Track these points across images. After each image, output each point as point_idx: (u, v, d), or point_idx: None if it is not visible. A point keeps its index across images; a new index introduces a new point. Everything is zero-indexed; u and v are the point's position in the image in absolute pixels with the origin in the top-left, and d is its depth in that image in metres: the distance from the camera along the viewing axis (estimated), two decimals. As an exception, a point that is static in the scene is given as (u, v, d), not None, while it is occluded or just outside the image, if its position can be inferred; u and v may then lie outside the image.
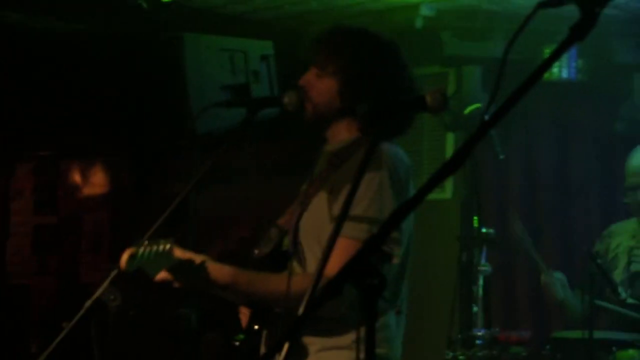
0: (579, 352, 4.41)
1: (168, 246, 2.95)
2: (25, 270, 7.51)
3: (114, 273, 3.19)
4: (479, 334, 4.71)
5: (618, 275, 4.86)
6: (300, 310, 2.26)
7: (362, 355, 2.06)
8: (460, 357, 4.69)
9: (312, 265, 2.99)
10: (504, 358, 4.76)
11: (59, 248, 7.58)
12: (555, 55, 2.00)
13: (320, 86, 3.10)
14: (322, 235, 2.94)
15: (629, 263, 4.87)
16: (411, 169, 3.02)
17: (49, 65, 5.81)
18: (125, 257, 2.98)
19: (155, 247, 2.96)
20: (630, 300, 4.71)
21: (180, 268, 2.95)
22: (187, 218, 5.10)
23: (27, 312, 7.40)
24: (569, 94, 5.85)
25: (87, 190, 7.50)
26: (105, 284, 3.22)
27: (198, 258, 2.97)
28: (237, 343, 3.14)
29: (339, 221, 2.52)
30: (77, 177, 7.56)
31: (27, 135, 6.78)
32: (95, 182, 7.47)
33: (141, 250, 2.95)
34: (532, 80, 2.04)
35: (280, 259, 3.11)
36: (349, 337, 2.91)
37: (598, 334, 4.40)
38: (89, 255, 7.40)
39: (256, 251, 3.19)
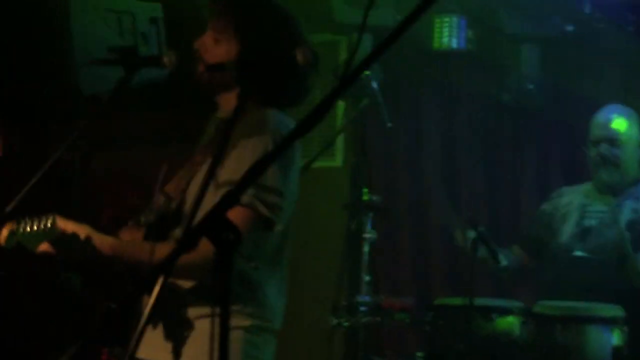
0: (460, 318, 4.44)
1: (50, 222, 2.90)
2: None
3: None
4: (363, 300, 4.72)
5: (568, 229, 4.90)
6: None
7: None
8: (345, 324, 4.70)
9: None
10: (388, 324, 4.80)
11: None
12: (410, 20, 1.99)
13: (217, 51, 3.08)
14: (207, 203, 2.92)
15: (581, 218, 4.91)
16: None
17: None
18: (4, 233, 2.96)
19: (36, 223, 2.91)
20: (578, 253, 4.77)
21: (62, 242, 2.91)
22: (72, 184, 5.03)
23: None
24: (458, 64, 5.89)
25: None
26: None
27: (81, 230, 2.93)
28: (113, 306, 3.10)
29: (202, 187, 2.51)
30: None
31: None
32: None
33: (21, 226, 2.91)
34: (389, 42, 2.04)
35: (167, 227, 3.08)
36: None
37: (479, 301, 4.45)
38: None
39: (142, 218, 3.15)
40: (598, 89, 5.53)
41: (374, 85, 4.88)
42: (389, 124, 4.84)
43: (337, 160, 6.25)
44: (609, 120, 4.91)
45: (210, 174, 2.55)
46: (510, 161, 5.94)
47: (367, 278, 4.79)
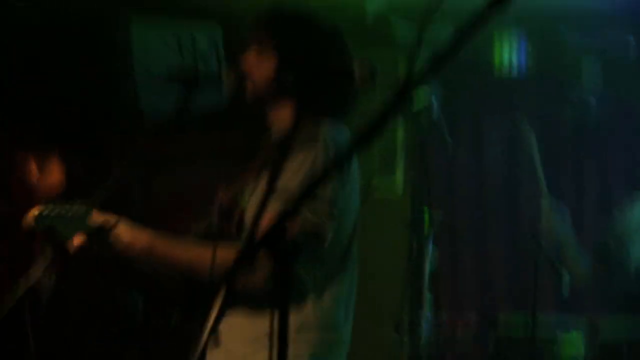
0: (524, 335, 4.40)
1: (83, 209, 2.90)
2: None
3: (47, 254, 3.13)
4: (426, 317, 4.70)
5: (637, 249, 4.82)
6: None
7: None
8: (407, 340, 4.68)
9: None
10: (451, 343, 4.77)
11: (14, 238, 7.50)
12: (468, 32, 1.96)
13: (260, 65, 3.08)
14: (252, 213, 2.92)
15: None
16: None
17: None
18: (32, 213, 2.95)
19: (67, 208, 2.90)
20: None
21: (96, 232, 2.90)
22: (132, 206, 5.06)
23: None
24: (519, 79, 5.85)
25: (43, 181, 7.43)
26: (39, 266, 3.15)
27: (111, 220, 2.92)
28: (173, 323, 3.10)
29: (267, 193, 2.50)
30: (31, 168, 7.48)
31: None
32: (51, 173, 7.40)
33: (50, 208, 2.89)
34: (447, 54, 2.01)
35: (219, 235, 3.06)
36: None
37: (542, 317, 4.41)
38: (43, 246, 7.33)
39: (193, 226, 3.14)
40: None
41: (434, 102, 4.86)
42: (450, 141, 4.82)
43: (398, 179, 6.23)
44: None
45: (270, 186, 2.54)
46: (573, 176, 5.88)
47: (429, 295, 4.77)
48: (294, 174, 2.83)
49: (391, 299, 4.97)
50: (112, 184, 3.15)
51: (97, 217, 2.93)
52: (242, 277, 2.80)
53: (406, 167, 6.14)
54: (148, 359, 5.44)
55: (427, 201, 5.04)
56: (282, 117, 3.10)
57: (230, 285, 2.16)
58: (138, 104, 5.15)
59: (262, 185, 3.00)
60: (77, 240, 2.93)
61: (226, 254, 2.83)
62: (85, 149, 7.11)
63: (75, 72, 5.56)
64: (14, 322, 3.28)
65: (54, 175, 7.33)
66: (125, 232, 2.93)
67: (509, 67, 5.65)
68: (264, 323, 2.89)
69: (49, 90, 5.74)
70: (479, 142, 6.12)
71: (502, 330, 4.58)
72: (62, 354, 5.62)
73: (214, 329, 2.94)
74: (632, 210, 4.98)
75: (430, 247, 4.84)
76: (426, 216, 4.86)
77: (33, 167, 7.43)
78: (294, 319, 2.85)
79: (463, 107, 6.03)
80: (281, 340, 2.03)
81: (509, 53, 5.58)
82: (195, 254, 2.91)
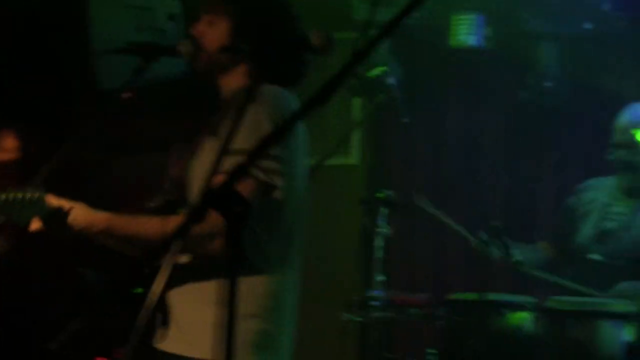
0: (473, 314, 4.43)
1: (37, 194, 2.90)
2: None
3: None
4: (376, 296, 4.71)
5: (587, 229, 4.85)
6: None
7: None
8: (357, 319, 4.69)
9: None
10: (400, 320, 4.79)
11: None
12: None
13: (212, 33, 3.09)
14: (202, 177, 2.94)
15: (601, 219, 4.85)
16: (292, 104, 3.00)
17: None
18: None
19: (21, 194, 2.90)
20: (595, 257, 4.73)
21: (53, 216, 2.90)
22: (88, 185, 5.04)
23: None
24: (476, 62, 5.87)
25: (-2, 156, 7.37)
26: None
27: (68, 204, 2.92)
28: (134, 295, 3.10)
29: (219, 156, 2.50)
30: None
31: None
32: (5, 149, 7.35)
33: (4, 195, 2.89)
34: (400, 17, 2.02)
35: (172, 208, 3.07)
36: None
37: (492, 297, 4.43)
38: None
39: (150, 204, 3.14)
40: (616, 86, 5.50)
41: (391, 81, 4.88)
42: (405, 119, 4.83)
43: (353, 157, 6.25)
44: (629, 125, 4.81)
45: (223, 150, 2.54)
46: (530, 158, 5.91)
47: (380, 274, 4.78)
48: (242, 138, 2.84)
49: (343, 279, 5.00)
50: (58, 160, 3.14)
51: (52, 201, 2.93)
52: (201, 244, 2.83)
53: (362, 147, 6.16)
54: (109, 334, 5.43)
55: (382, 181, 5.07)
56: (233, 84, 3.12)
57: (180, 245, 2.14)
58: (97, 80, 5.11)
59: (207, 150, 3.01)
60: (34, 224, 2.93)
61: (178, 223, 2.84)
62: (41, 125, 7.08)
63: (32, 47, 5.52)
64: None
65: (8, 152, 7.28)
66: (81, 215, 2.92)
67: (467, 50, 5.66)
68: (213, 289, 2.92)
69: (4, 66, 5.70)
70: (438, 122, 6.14)
71: (453, 310, 4.59)
72: (22, 331, 5.61)
73: (163, 295, 2.95)
74: (582, 195, 5.02)
75: (382, 226, 4.86)
76: (381, 196, 4.88)
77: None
78: (241, 285, 2.88)
79: (421, 89, 6.05)
80: (231, 305, 2.03)
81: (467, 36, 5.59)
82: (151, 229, 2.92)
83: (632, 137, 4.77)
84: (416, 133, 6.04)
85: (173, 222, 2.88)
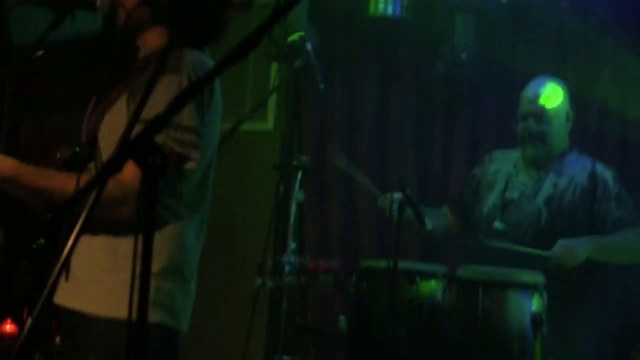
0: (384, 281, 4.46)
1: None
2: None
3: None
4: (288, 260, 4.72)
5: (491, 199, 4.95)
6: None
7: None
8: (269, 283, 4.70)
9: None
10: (312, 286, 4.80)
11: None
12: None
13: None
14: (119, 137, 2.90)
15: (505, 189, 4.94)
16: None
17: None
18: None
19: None
20: (498, 225, 4.82)
21: None
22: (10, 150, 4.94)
23: None
24: (393, 31, 5.89)
25: None
26: None
27: None
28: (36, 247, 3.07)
29: (130, 123, 2.46)
30: None
31: None
32: None
33: None
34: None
35: (84, 161, 3.04)
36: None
37: (403, 265, 4.47)
38: None
39: (58, 155, 3.10)
40: (531, 60, 5.57)
41: (308, 47, 4.86)
42: (322, 86, 4.83)
43: (269, 123, 6.24)
44: (537, 96, 4.92)
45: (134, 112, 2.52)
46: (443, 129, 5.95)
47: (293, 239, 4.79)
48: (156, 100, 2.81)
49: (257, 244, 5.00)
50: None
51: None
52: (112, 209, 2.81)
53: (278, 112, 6.15)
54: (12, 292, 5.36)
55: (296, 146, 5.07)
56: (150, 42, 3.10)
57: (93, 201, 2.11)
58: (8, 34, 5.01)
59: (120, 106, 2.98)
60: None
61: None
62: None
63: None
64: None
65: None
66: None
67: (385, 19, 5.68)
68: (119, 248, 2.90)
69: None
70: (352, 90, 6.15)
71: (363, 277, 4.63)
72: None
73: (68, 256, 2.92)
74: (487, 166, 5.12)
75: (296, 192, 4.86)
76: (294, 161, 4.88)
77: None
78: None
79: (338, 56, 6.06)
80: (145, 262, 2.01)
81: (386, 4, 5.60)
82: (59, 182, 2.89)
83: (540, 107, 4.87)
84: (331, 100, 6.05)
85: (84, 177, 2.85)
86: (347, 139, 6.05)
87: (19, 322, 5.64)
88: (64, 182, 2.88)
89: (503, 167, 5.04)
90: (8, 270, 5.10)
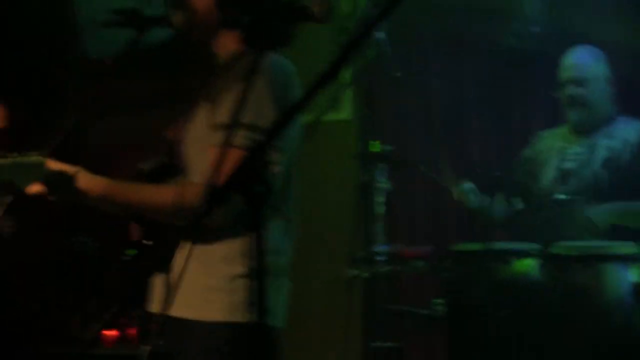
0: (478, 263, 4.47)
1: (37, 158, 2.93)
2: None
3: (6, 199, 3.13)
4: (380, 250, 4.76)
5: (548, 174, 4.98)
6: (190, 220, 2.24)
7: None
8: (363, 274, 4.74)
9: (196, 175, 3.00)
10: (406, 274, 4.83)
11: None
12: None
13: None
14: (204, 145, 2.96)
15: (561, 161, 4.98)
16: (293, 78, 3.02)
17: None
18: None
19: (22, 159, 2.93)
20: (560, 196, 4.83)
21: (52, 180, 2.92)
22: (81, 151, 5.03)
23: None
24: (460, 9, 5.87)
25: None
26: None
27: (71, 168, 2.95)
28: (127, 258, 3.12)
29: (220, 129, 2.52)
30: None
31: None
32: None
33: (6, 160, 2.92)
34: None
35: (168, 172, 3.10)
36: (236, 248, 2.94)
37: (496, 245, 4.48)
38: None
39: (144, 166, 3.16)
40: (603, 30, 5.51)
41: (380, 35, 4.87)
42: (397, 74, 4.85)
43: (345, 112, 6.25)
44: (574, 61, 5.04)
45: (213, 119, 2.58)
46: (520, 106, 5.94)
47: (382, 228, 4.82)
48: (247, 113, 2.86)
49: (342, 235, 5.04)
50: (66, 130, 3.16)
51: (53, 165, 2.95)
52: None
53: (354, 102, 6.16)
54: (103, 299, 5.46)
55: (376, 135, 5.09)
56: (226, 48, 3.13)
57: (202, 223, 2.17)
58: (84, 48, 5.08)
59: (202, 115, 3.03)
60: (35, 188, 2.95)
61: (187, 193, 2.88)
62: (30, 94, 7.04)
63: (15, 17, 5.47)
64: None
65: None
66: (83, 180, 2.95)
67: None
68: (212, 254, 2.96)
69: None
70: (424, 73, 6.14)
71: (458, 261, 4.64)
72: (19, 299, 5.61)
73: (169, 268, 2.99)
74: (537, 145, 5.14)
75: (381, 181, 4.89)
76: (375, 150, 4.90)
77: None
78: (232, 248, 2.93)
79: (409, 40, 6.05)
80: (260, 281, 2.06)
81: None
82: (150, 196, 2.96)
83: (577, 72, 4.92)
84: (405, 85, 6.04)
85: (185, 193, 2.90)
86: (425, 124, 6.05)
87: (118, 326, 5.77)
88: (155, 196, 2.95)
89: (553, 143, 5.09)
90: (102, 277, 5.20)
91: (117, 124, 6.29)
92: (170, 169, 3.10)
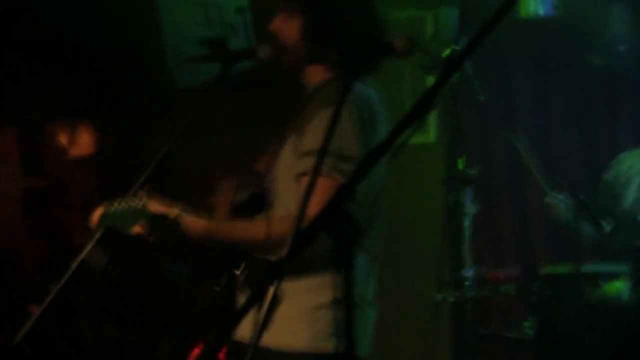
0: (567, 286, 4.44)
1: (141, 202, 2.99)
2: (16, 234, 7.51)
3: (98, 234, 3.21)
4: (468, 274, 4.74)
5: (631, 195, 4.93)
6: (282, 252, 2.27)
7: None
8: (450, 299, 4.72)
9: (288, 203, 3.04)
10: (494, 297, 4.81)
11: (49, 211, 7.57)
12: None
13: (289, 29, 3.15)
14: (291, 173, 3.02)
15: None
16: (376, 106, 3.06)
17: (24, 26, 5.79)
18: (96, 214, 3.07)
19: (127, 204, 2.99)
20: None
21: (154, 223, 3.00)
22: (170, 174, 5.11)
23: (19, 276, 7.42)
24: (545, 31, 5.83)
25: (74, 152, 7.47)
26: (90, 245, 3.24)
27: (173, 211, 3.01)
28: (217, 289, 3.18)
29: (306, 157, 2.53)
30: (63, 140, 7.53)
31: (7, 99, 6.75)
32: (82, 143, 7.44)
33: (113, 207, 2.99)
34: (497, 19, 2.05)
35: (259, 203, 3.15)
36: (322, 279, 2.98)
37: (585, 268, 4.44)
38: (79, 217, 7.40)
39: (236, 198, 3.21)
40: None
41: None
42: (482, 97, 4.83)
43: (430, 136, 6.24)
44: None
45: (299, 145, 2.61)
46: (606, 125, 5.87)
47: (469, 251, 4.81)
48: (318, 134, 2.88)
49: (432, 258, 5.02)
50: (158, 158, 3.23)
51: (156, 208, 3.01)
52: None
53: (439, 125, 6.15)
54: (195, 327, 5.52)
55: (461, 157, 5.08)
56: (312, 79, 3.17)
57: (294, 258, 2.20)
58: (170, 77, 5.16)
59: (288, 146, 3.09)
60: (138, 229, 3.02)
61: (279, 226, 2.93)
62: (116, 118, 7.18)
63: (106, 47, 5.59)
64: (67, 298, 3.35)
65: (84, 143, 7.38)
66: (184, 223, 3.02)
67: (536, 16, 5.63)
68: (319, 294, 2.99)
69: (81, 63, 5.80)
70: (510, 96, 6.11)
71: (547, 284, 4.60)
72: (114, 327, 5.71)
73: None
74: (618, 167, 5.08)
75: (468, 204, 4.88)
76: (461, 173, 4.89)
77: (64, 137, 7.49)
78: (317, 280, 2.96)
79: (492, 61, 6.02)
80: (347, 312, 2.08)
81: (538, 6, 5.56)
82: (246, 233, 3.02)
83: None
84: (491, 108, 6.01)
85: (277, 226, 2.95)
86: (510, 145, 6.00)
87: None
88: (248, 232, 3.02)
89: (634, 164, 5.03)
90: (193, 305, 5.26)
91: (205, 148, 6.37)
92: (261, 199, 3.15)
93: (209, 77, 4.31)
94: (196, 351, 5.78)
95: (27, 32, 5.77)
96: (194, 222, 3.02)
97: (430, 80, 6.02)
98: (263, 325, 2.93)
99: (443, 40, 5.31)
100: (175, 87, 5.34)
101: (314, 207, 2.58)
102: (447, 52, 5.05)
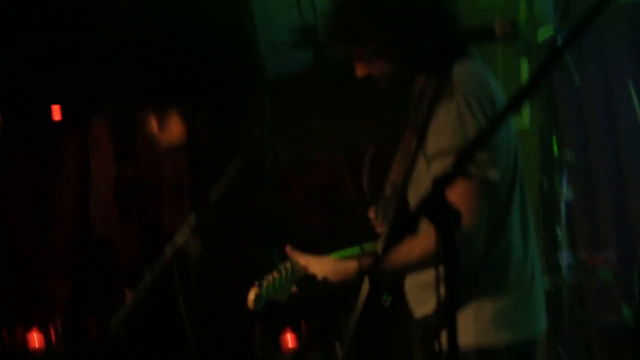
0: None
1: (289, 266, 3.02)
2: (109, 220, 7.62)
3: (192, 220, 3.24)
4: (564, 258, 4.69)
5: None
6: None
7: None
8: (547, 282, 4.68)
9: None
10: (592, 282, 4.76)
11: (141, 196, 7.66)
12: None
13: (377, 68, 3.11)
14: (425, 181, 2.96)
15: None
16: (487, 81, 3.02)
17: (118, 17, 5.87)
18: (251, 297, 3.06)
19: (277, 276, 3.02)
20: None
21: (305, 283, 3.06)
22: (262, 163, 5.13)
23: (112, 261, 7.53)
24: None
25: (165, 139, 7.55)
26: (185, 231, 3.27)
27: (322, 265, 3.02)
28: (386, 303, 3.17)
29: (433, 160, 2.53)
30: (154, 127, 7.61)
31: (101, 87, 6.85)
32: (172, 130, 7.52)
33: (264, 286, 3.02)
34: (602, 3, 2.03)
35: (407, 225, 3.10)
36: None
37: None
38: (171, 202, 7.48)
39: (379, 213, 3.18)
40: None
41: (559, 38, 4.81)
42: (578, 83, 4.77)
43: (525, 121, 6.17)
44: None
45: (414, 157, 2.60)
46: None
47: (566, 236, 4.76)
48: (438, 134, 2.86)
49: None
50: (250, 148, 3.23)
51: (301, 262, 3.07)
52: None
53: (533, 110, 6.08)
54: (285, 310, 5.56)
55: (557, 141, 5.02)
56: (419, 82, 3.12)
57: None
58: (262, 65, 5.19)
59: (416, 156, 3.04)
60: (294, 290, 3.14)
61: (426, 245, 2.86)
62: (206, 105, 7.23)
63: (195, 31, 5.64)
64: (164, 286, 3.39)
65: (174, 129, 7.46)
66: (333, 275, 3.04)
67: (636, 5, 5.52)
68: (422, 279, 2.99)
69: (173, 51, 5.86)
70: (606, 79, 6.00)
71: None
72: (210, 316, 5.77)
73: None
74: None
75: (564, 187, 4.82)
76: (558, 158, 4.84)
77: (155, 125, 7.58)
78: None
79: (590, 45, 5.91)
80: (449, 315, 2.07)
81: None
82: (404, 261, 2.97)
83: None
84: (587, 93, 5.92)
85: (411, 249, 2.93)
86: (607, 131, 5.91)
87: (298, 332, 5.88)
88: (404, 259, 2.96)
89: None
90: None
91: (301, 138, 6.38)
92: (406, 220, 3.12)
93: (298, 65, 4.35)
94: (287, 334, 5.84)
95: (120, 21, 5.85)
96: (345, 272, 3.02)
97: (524, 64, 5.96)
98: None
99: (537, 22, 5.24)
100: (265, 74, 5.36)
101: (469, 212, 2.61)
102: (542, 35, 5.00)
